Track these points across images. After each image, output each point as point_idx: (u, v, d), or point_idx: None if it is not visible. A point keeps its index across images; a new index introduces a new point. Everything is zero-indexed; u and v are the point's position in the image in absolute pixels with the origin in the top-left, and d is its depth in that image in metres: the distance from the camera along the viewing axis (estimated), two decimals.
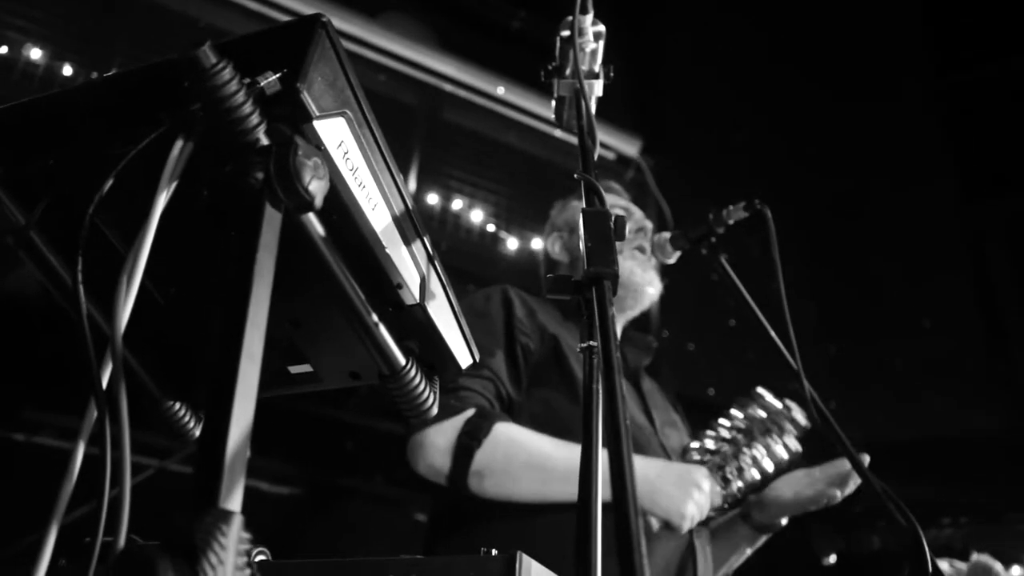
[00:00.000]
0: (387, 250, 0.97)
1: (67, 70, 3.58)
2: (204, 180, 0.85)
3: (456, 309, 1.06)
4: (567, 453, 1.85)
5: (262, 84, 0.85)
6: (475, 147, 4.54)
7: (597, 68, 1.49)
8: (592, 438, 0.94)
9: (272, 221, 0.80)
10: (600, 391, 0.94)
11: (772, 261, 1.77)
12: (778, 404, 2.09)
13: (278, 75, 0.86)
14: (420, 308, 1.01)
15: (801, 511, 2.05)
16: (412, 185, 4.20)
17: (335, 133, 0.90)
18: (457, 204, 4.30)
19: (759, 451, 2.00)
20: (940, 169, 5.07)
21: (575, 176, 1.17)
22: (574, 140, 1.35)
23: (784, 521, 2.12)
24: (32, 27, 3.60)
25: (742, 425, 2.05)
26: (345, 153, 0.91)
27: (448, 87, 4.49)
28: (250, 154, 0.81)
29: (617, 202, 2.42)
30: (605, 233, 1.00)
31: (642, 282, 2.26)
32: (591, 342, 0.96)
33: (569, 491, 1.85)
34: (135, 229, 0.86)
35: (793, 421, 2.06)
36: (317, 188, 0.80)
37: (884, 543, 5.33)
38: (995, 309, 4.98)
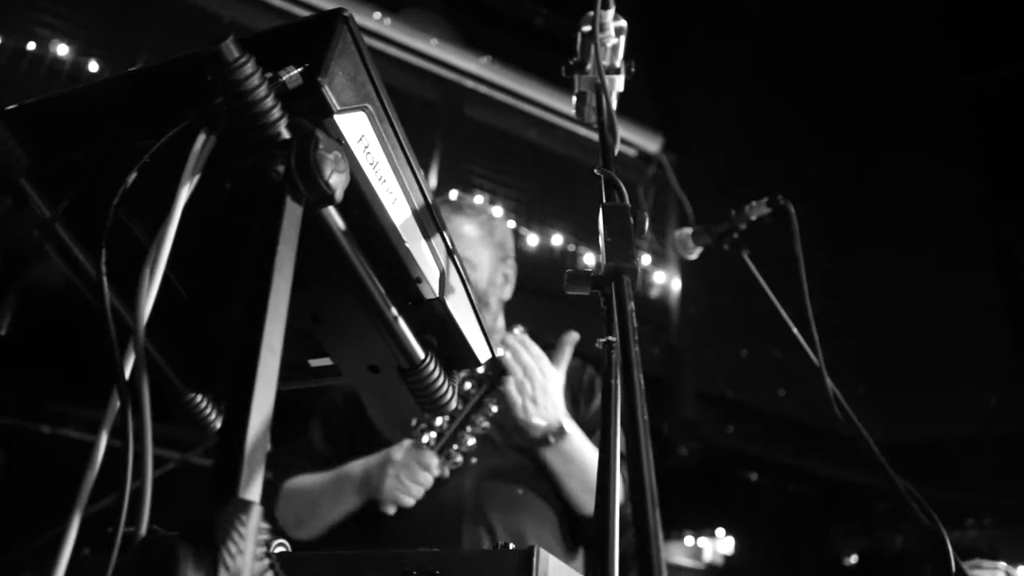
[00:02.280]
0: (407, 244, 0.97)
1: (93, 66, 3.61)
2: (226, 173, 0.85)
3: (475, 304, 1.06)
4: (329, 478, 2.12)
5: (284, 78, 0.85)
6: (496, 143, 4.55)
7: (618, 63, 1.48)
8: (610, 434, 0.94)
9: (292, 214, 0.80)
10: (618, 386, 0.94)
11: (795, 257, 1.76)
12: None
13: (300, 69, 0.86)
14: (439, 302, 1.02)
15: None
16: (433, 181, 4.21)
17: (356, 127, 0.90)
18: (478, 200, 4.31)
19: (473, 414, 2.10)
20: (967, 165, 5.01)
21: (595, 171, 1.16)
22: (596, 136, 1.36)
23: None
24: (59, 24, 3.64)
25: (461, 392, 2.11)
26: (366, 147, 0.91)
27: (470, 83, 4.49)
28: (271, 147, 0.81)
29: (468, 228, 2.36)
30: (624, 228, 1.00)
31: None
32: (610, 337, 0.96)
33: (337, 508, 2.04)
34: (158, 222, 0.87)
35: (501, 373, 2.06)
36: (337, 181, 0.80)
37: (907, 543, 5.29)
38: (1022, 308, 4.92)
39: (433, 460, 2.01)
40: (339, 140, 0.88)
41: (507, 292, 2.38)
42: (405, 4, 4.70)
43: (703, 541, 6.10)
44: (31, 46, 3.53)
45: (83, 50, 3.60)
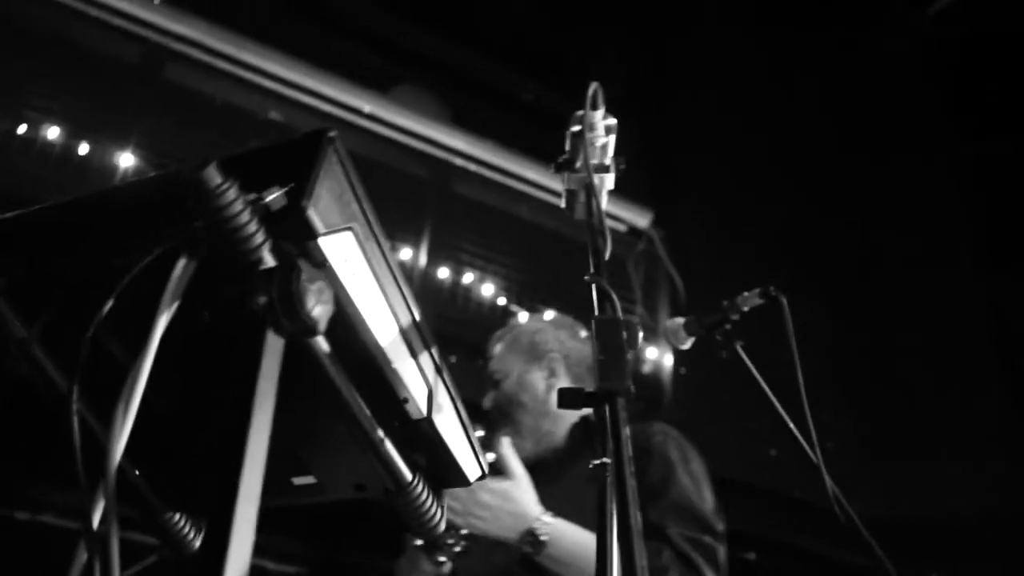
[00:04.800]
0: (394, 365, 0.94)
1: (83, 148, 3.62)
2: (206, 301, 0.83)
3: (464, 421, 1.03)
4: None
5: (267, 200, 0.83)
6: (486, 220, 4.55)
7: (608, 161, 1.48)
8: (606, 558, 0.90)
9: (274, 347, 0.78)
10: (614, 511, 0.90)
11: (789, 351, 1.73)
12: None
13: (284, 190, 0.84)
14: (427, 422, 0.98)
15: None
16: (423, 259, 4.20)
17: (341, 248, 0.88)
18: (468, 277, 4.29)
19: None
20: (963, 235, 5.04)
21: (586, 279, 1.14)
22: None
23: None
24: (49, 106, 3.66)
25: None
26: (351, 268, 0.89)
27: (459, 161, 4.52)
28: (253, 277, 0.79)
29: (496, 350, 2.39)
30: (617, 345, 0.97)
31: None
32: (604, 459, 0.93)
33: None
34: (137, 342, 0.84)
35: None
36: (321, 313, 0.77)
37: None
38: (1019, 382, 4.89)
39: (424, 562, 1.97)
40: (323, 263, 0.85)
41: (555, 384, 2.28)
42: (395, 82, 4.77)
43: None
44: (22, 129, 3.54)
45: (74, 132, 3.61)
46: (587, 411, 2.25)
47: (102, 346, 0.99)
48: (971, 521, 4.54)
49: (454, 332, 3.95)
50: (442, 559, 2.00)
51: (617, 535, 0.83)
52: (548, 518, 1.89)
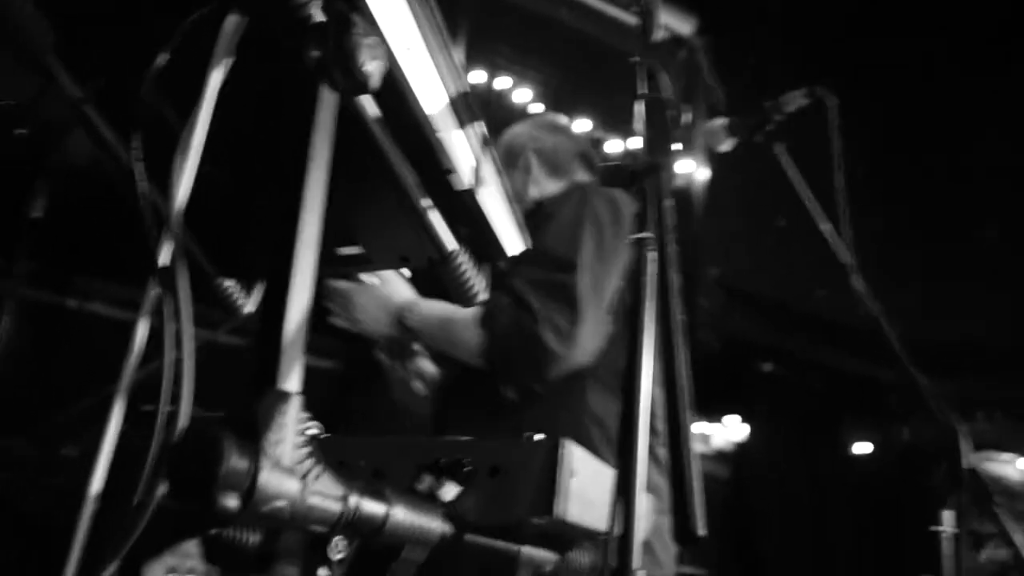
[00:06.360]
0: (440, 134, 0.95)
1: None
2: (259, 58, 0.83)
3: (509, 196, 1.05)
4: None
5: None
6: (523, 23, 4.40)
7: None
8: (639, 328, 0.94)
9: (328, 103, 0.78)
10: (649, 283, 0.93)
11: (832, 152, 1.72)
12: None
13: None
14: (471, 194, 1.00)
15: None
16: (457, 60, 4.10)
17: (391, 10, 0.87)
18: (503, 82, 4.20)
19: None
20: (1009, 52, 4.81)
21: (631, 60, 1.12)
22: (627, 18, 1.31)
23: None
24: None
25: None
26: (401, 32, 0.88)
27: None
28: (305, 31, 0.78)
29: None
30: (663, 122, 0.97)
31: None
32: (646, 233, 0.95)
33: None
34: (191, 106, 0.86)
35: None
36: (374, 69, 0.77)
37: (915, 436, 5.39)
38: None
39: None
40: (373, 23, 0.85)
41: (529, 179, 2.23)
42: None
43: (712, 427, 6.25)
44: None
45: None
46: (542, 193, 2.27)
47: (159, 112, 1.01)
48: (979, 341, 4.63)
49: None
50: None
51: (658, 297, 0.86)
52: (412, 304, 1.94)
